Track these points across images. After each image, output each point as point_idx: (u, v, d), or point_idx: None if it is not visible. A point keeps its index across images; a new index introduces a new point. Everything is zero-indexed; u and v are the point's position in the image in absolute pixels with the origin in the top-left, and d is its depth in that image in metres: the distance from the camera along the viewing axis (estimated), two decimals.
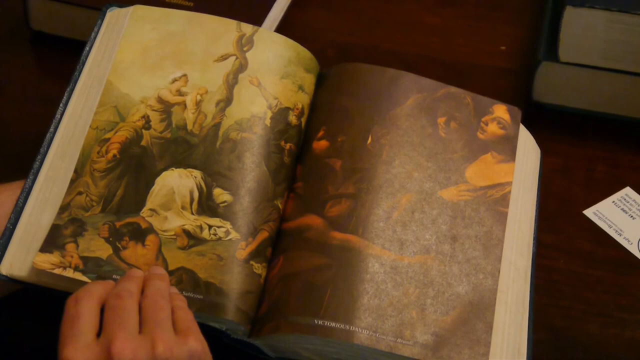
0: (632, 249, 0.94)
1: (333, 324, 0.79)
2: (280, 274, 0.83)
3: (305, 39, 0.94)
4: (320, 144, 0.89)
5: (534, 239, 0.89)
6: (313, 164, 0.88)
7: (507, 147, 0.90)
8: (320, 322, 0.79)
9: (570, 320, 0.89)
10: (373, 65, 0.93)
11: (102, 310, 0.75)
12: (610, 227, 0.96)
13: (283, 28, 1.08)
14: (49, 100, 0.91)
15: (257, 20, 1.03)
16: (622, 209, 0.97)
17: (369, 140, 0.88)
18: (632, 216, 0.96)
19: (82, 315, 0.74)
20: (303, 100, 0.91)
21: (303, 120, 0.91)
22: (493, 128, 0.91)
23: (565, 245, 0.94)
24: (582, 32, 0.99)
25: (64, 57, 0.97)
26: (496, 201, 0.87)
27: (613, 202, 0.97)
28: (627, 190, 0.98)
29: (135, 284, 0.77)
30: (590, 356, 0.87)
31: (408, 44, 1.11)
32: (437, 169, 0.88)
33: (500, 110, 0.92)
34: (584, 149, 1.02)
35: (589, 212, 0.97)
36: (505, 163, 0.90)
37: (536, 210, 0.91)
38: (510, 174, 0.89)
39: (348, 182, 0.86)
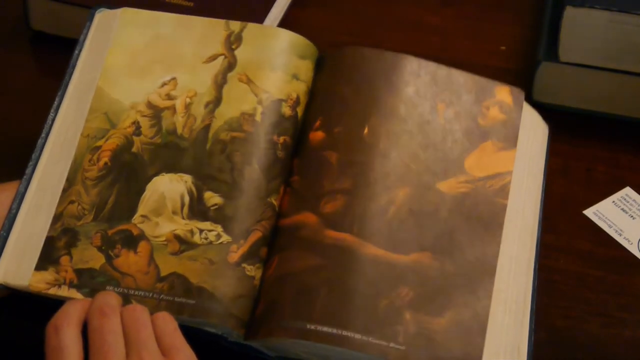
0: (632, 249, 0.94)
1: (325, 329, 0.78)
2: (276, 274, 0.82)
3: (305, 38, 0.94)
4: (316, 135, 0.88)
5: (539, 224, 0.88)
6: (309, 156, 0.87)
7: (508, 133, 0.89)
8: (312, 327, 0.78)
9: (570, 320, 0.89)
10: (372, 48, 0.91)
11: (85, 326, 0.75)
12: (610, 227, 0.96)
13: (283, 27, 1.08)
14: (49, 100, 0.91)
15: (257, 20, 1.03)
16: (622, 209, 0.97)
17: (366, 131, 0.87)
18: (632, 216, 0.96)
19: (65, 346, 0.74)
20: (298, 89, 0.90)
21: (299, 109, 0.89)
22: (494, 112, 0.89)
23: (565, 245, 0.94)
24: (582, 32, 0.99)
25: (64, 57, 0.97)
26: (495, 192, 0.86)
27: (613, 202, 0.97)
28: (627, 190, 0.98)
29: (115, 297, 0.78)
30: (590, 356, 0.87)
31: (408, 44, 1.10)
32: (435, 160, 0.86)
33: (503, 93, 0.91)
34: (584, 149, 1.02)
35: (589, 212, 0.97)
36: (505, 151, 0.88)
37: (542, 194, 0.89)
38: (511, 163, 0.88)
39: (343, 176, 0.85)
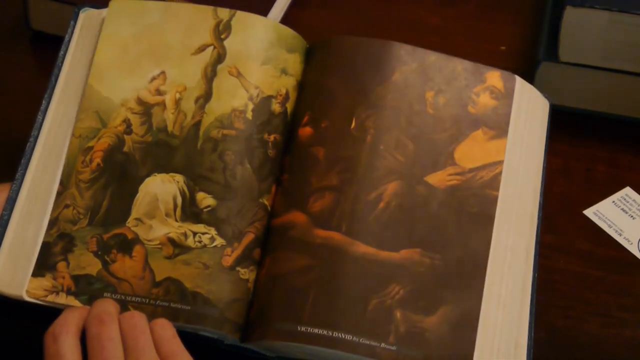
0: (632, 249, 0.94)
1: (316, 330, 0.78)
2: (267, 275, 0.81)
3: (305, 38, 0.94)
4: (305, 131, 0.86)
5: (539, 206, 0.86)
6: (298, 153, 0.86)
7: (499, 120, 0.87)
8: (303, 329, 0.78)
9: (570, 320, 0.89)
10: (359, 37, 0.89)
11: (83, 335, 0.76)
12: (610, 227, 0.95)
13: None
14: None
15: None
16: (622, 209, 0.97)
17: (353, 124, 0.85)
18: (632, 216, 0.96)
19: (64, 354, 0.74)
20: (287, 83, 0.88)
21: (288, 105, 0.88)
22: (485, 99, 0.88)
23: (565, 245, 0.94)
24: (582, 32, 0.99)
25: None
26: (486, 184, 0.85)
27: (613, 202, 0.97)
28: (627, 190, 0.98)
29: (113, 304, 0.78)
30: (590, 356, 0.87)
31: (408, 44, 1.10)
32: (424, 152, 0.85)
33: (494, 78, 0.89)
34: (584, 149, 1.02)
35: (589, 212, 0.97)
36: (496, 139, 0.86)
37: (543, 172, 0.88)
38: (502, 152, 0.86)
39: (331, 172, 0.84)
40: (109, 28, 0.89)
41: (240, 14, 0.89)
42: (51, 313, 0.78)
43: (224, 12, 0.89)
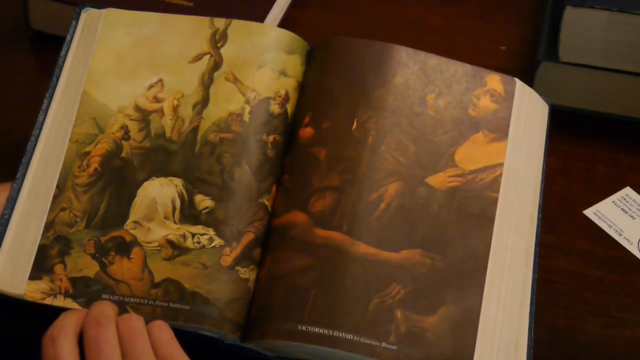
0: (632, 249, 0.94)
1: (317, 330, 0.78)
2: (268, 275, 0.82)
3: (305, 38, 0.94)
4: (306, 132, 0.86)
5: (539, 208, 0.87)
6: (299, 154, 0.86)
7: (499, 123, 0.87)
8: (303, 328, 0.78)
9: (570, 320, 0.89)
10: (359, 38, 0.90)
11: (81, 337, 0.76)
12: (610, 227, 0.96)
13: (283, 28, 1.08)
14: None
15: (257, 20, 1.03)
16: (622, 209, 0.97)
17: (354, 125, 0.85)
18: (632, 216, 0.96)
19: (62, 357, 0.74)
20: (287, 85, 0.89)
21: (288, 106, 0.88)
22: (485, 102, 0.88)
23: (565, 245, 0.94)
24: (582, 32, 0.99)
25: None
26: (486, 186, 0.85)
27: (613, 202, 0.97)
28: (627, 190, 0.98)
29: (111, 307, 0.78)
30: (590, 356, 0.87)
31: (408, 44, 1.10)
32: (425, 153, 0.85)
33: (494, 81, 0.89)
34: (584, 149, 1.02)
35: (589, 212, 0.97)
36: (496, 142, 0.87)
37: (542, 175, 0.88)
38: (502, 154, 0.86)
39: (332, 173, 0.84)
40: (104, 37, 0.90)
41: (235, 23, 0.90)
42: (52, 312, 0.78)
43: (220, 22, 0.90)
